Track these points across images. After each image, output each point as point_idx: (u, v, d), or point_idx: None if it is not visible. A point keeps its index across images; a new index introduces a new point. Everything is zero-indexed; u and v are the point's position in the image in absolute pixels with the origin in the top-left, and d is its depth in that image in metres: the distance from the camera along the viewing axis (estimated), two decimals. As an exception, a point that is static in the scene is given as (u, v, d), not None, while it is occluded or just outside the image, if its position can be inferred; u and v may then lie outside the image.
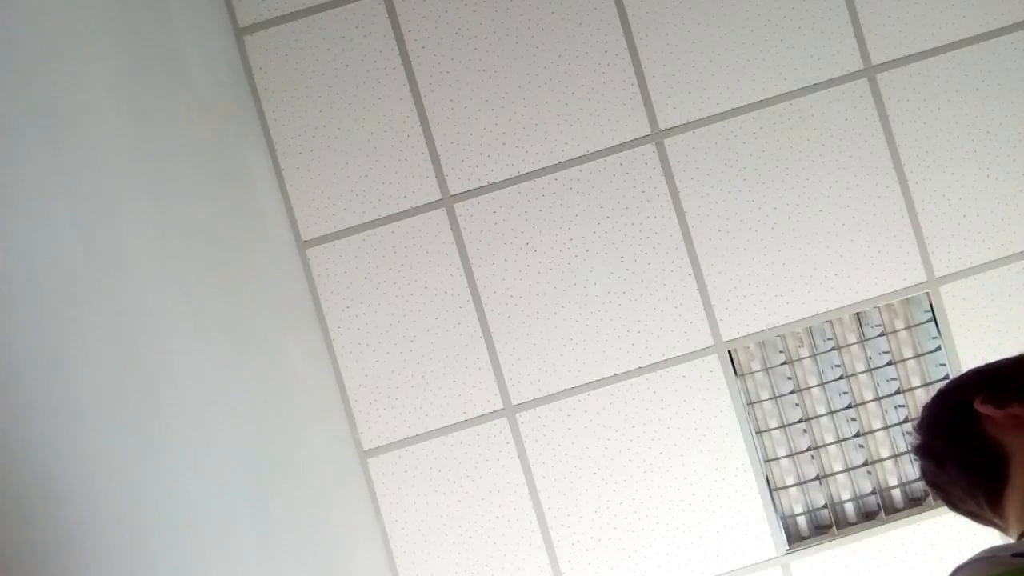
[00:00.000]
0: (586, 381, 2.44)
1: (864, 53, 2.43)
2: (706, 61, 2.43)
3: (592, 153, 2.44)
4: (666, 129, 2.43)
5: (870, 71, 2.43)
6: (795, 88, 2.43)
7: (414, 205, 2.45)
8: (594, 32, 2.43)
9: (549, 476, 2.44)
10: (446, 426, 2.44)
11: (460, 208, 2.45)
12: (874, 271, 2.43)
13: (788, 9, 2.43)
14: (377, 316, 2.45)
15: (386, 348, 2.44)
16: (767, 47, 2.43)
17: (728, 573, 2.43)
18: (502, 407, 2.44)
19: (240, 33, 2.43)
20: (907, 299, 2.46)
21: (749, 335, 2.44)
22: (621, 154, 2.44)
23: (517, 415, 2.44)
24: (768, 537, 2.44)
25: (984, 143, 2.42)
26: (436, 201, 2.45)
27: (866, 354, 2.49)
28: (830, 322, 2.47)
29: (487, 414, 2.44)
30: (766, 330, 2.44)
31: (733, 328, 2.44)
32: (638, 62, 2.43)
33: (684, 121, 2.43)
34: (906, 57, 2.43)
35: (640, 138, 2.44)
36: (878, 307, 2.46)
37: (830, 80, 2.43)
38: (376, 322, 2.44)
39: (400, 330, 2.45)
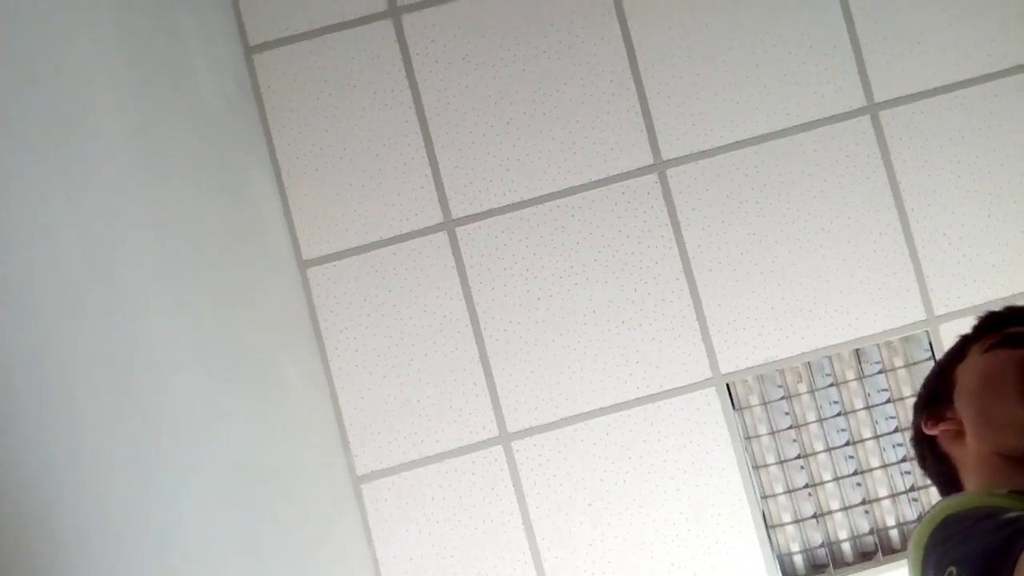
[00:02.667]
0: (583, 411, 2.41)
1: (867, 91, 2.45)
2: (711, 94, 2.45)
3: (595, 181, 2.44)
4: (669, 160, 2.44)
5: (873, 108, 2.45)
6: (798, 123, 2.44)
7: (416, 228, 2.44)
8: (600, 62, 2.45)
9: (543, 506, 2.40)
10: (440, 452, 2.41)
11: (462, 232, 2.44)
12: (874, 308, 2.43)
13: (793, 45, 2.46)
14: (375, 338, 2.42)
15: (383, 371, 2.42)
16: (771, 82, 2.45)
17: (723, 611, 2.39)
18: (498, 434, 2.41)
19: (249, 51, 2.44)
20: (906, 337, 2.46)
21: (748, 368, 2.43)
22: (623, 183, 2.44)
23: (512, 443, 2.41)
24: (764, 575, 2.40)
25: (985, 183, 2.44)
26: (438, 224, 2.44)
27: (865, 391, 2.47)
28: (829, 358, 2.46)
29: (482, 441, 2.41)
30: (765, 364, 2.43)
31: (732, 361, 2.43)
32: (643, 93, 2.45)
33: (687, 153, 2.45)
34: (909, 96, 2.45)
35: (643, 168, 2.44)
36: (877, 344, 2.45)
37: (833, 116, 2.45)
38: (373, 344, 2.42)
39: (397, 353, 2.42)
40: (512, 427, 2.41)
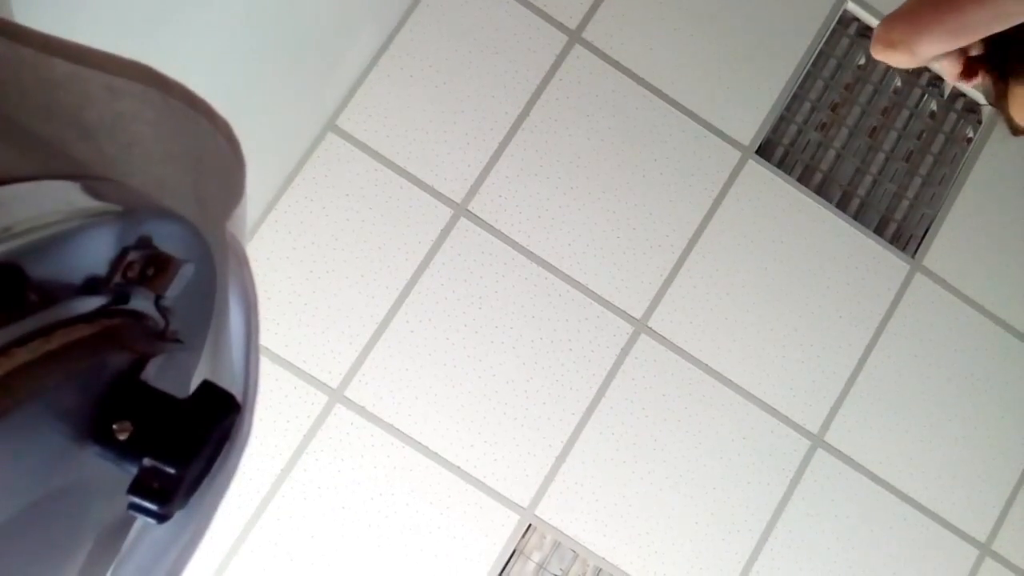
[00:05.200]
0: (419, 439, 2.38)
1: (825, 424, 2.57)
2: (729, 313, 2.54)
3: (586, 287, 2.49)
4: (652, 329, 2.51)
5: (816, 440, 2.56)
6: (758, 396, 2.54)
7: (434, 187, 2.46)
8: (682, 209, 2.55)
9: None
10: (286, 359, 2.34)
11: (463, 224, 2.46)
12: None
13: (790, 351, 2.58)
14: (321, 230, 2.40)
15: (304, 267, 2.38)
16: (767, 344, 2.56)
17: None
18: (335, 388, 2.36)
19: (453, -47, 2.51)
20: (682, 620, 2.48)
21: (556, 528, 2.42)
22: (603, 310, 2.49)
23: (338, 405, 2.36)
24: None
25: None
26: (452, 201, 2.46)
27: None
28: (616, 579, 2.47)
29: (324, 384, 2.36)
30: (571, 538, 2.43)
31: (552, 510, 2.42)
32: (681, 262, 2.54)
33: (669, 336, 2.52)
34: (848, 458, 2.57)
35: (627, 315, 2.50)
36: (658, 604, 2.47)
37: (785, 418, 2.55)
38: (312, 232, 2.39)
39: (327, 260, 2.39)
40: (351, 392, 2.37)
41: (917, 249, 2.66)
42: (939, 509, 2.58)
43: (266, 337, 2.36)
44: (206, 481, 0.44)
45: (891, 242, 2.65)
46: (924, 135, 2.76)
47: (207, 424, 0.43)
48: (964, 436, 2.63)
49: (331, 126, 2.43)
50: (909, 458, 2.59)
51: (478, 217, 2.47)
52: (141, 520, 0.41)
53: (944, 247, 2.67)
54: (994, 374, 2.66)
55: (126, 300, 0.41)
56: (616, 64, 2.56)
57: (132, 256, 0.40)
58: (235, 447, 0.46)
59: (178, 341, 0.43)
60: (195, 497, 0.44)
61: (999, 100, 1.22)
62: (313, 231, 2.40)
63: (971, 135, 2.77)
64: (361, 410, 2.37)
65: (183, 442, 0.41)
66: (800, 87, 2.69)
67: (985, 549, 2.60)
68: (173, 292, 0.42)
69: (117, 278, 0.39)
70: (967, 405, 2.64)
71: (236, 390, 0.45)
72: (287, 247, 2.39)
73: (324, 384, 2.37)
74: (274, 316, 2.37)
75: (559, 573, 2.46)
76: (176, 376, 0.46)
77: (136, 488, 0.38)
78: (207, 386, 0.43)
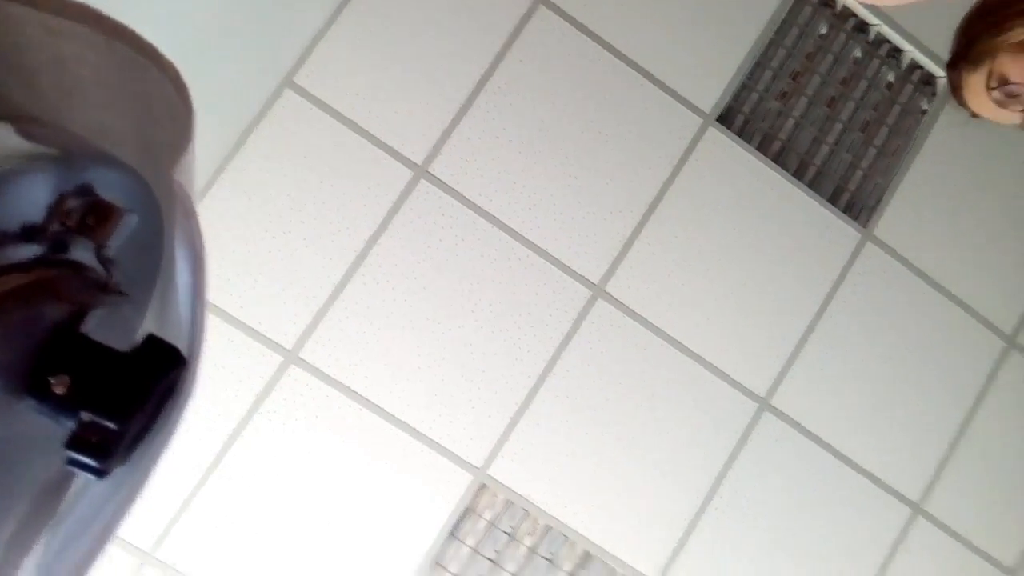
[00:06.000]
0: (372, 398, 2.37)
1: (773, 388, 2.63)
2: (684, 278, 2.58)
3: (546, 252, 2.49)
4: (609, 294, 2.53)
5: (764, 403, 2.63)
6: (710, 361, 2.59)
7: (395, 147, 2.42)
8: (646, 176, 2.56)
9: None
10: (237, 319, 2.30)
11: (423, 186, 2.43)
12: (635, 541, 2.52)
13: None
14: (274, 192, 2.35)
15: (255, 230, 2.33)
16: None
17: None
18: (290, 349, 2.33)
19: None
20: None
21: (509, 488, 2.46)
22: (562, 274, 2.50)
23: (292, 366, 2.34)
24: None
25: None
26: (413, 163, 2.43)
27: (567, 586, 2.54)
28: (566, 537, 2.52)
29: (280, 345, 2.33)
30: (523, 496, 2.47)
31: (506, 470, 2.45)
32: (640, 229, 2.55)
33: (625, 301, 2.54)
34: (794, 421, 2.65)
35: (585, 279, 2.52)
36: (604, 560, 2.54)
37: (735, 382, 2.60)
38: (269, 195, 2.34)
39: (281, 221, 2.34)
40: (306, 353, 2.34)
41: (869, 219, 2.72)
42: (876, 470, 2.69)
43: (220, 297, 2.31)
44: (148, 436, 0.43)
45: (844, 211, 2.70)
46: (880, 106, 2.80)
47: (150, 378, 0.42)
48: (905, 403, 2.72)
49: (288, 83, 2.36)
50: (851, 422, 2.68)
51: (439, 179, 2.44)
52: (81, 478, 0.40)
53: (895, 218, 2.73)
54: (937, 344, 2.75)
55: (65, 250, 0.40)
56: (582, 28, 2.53)
57: (71, 203, 0.38)
58: (179, 403, 0.45)
59: (121, 294, 0.42)
60: (136, 453, 0.43)
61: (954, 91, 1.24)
62: (269, 190, 2.35)
63: (926, 107, 2.82)
64: (316, 371, 2.36)
65: (124, 396, 0.40)
66: (763, 55, 2.70)
67: (917, 509, 2.71)
68: (116, 242, 0.40)
69: (54, 226, 0.38)
70: (909, 373, 2.73)
71: (182, 345, 0.44)
72: (242, 206, 2.33)
73: (278, 345, 2.34)
74: (228, 276, 2.32)
75: (509, 531, 2.50)
76: (120, 330, 0.44)
77: (74, 443, 0.37)
78: (151, 340, 0.42)
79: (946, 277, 2.75)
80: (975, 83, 1.18)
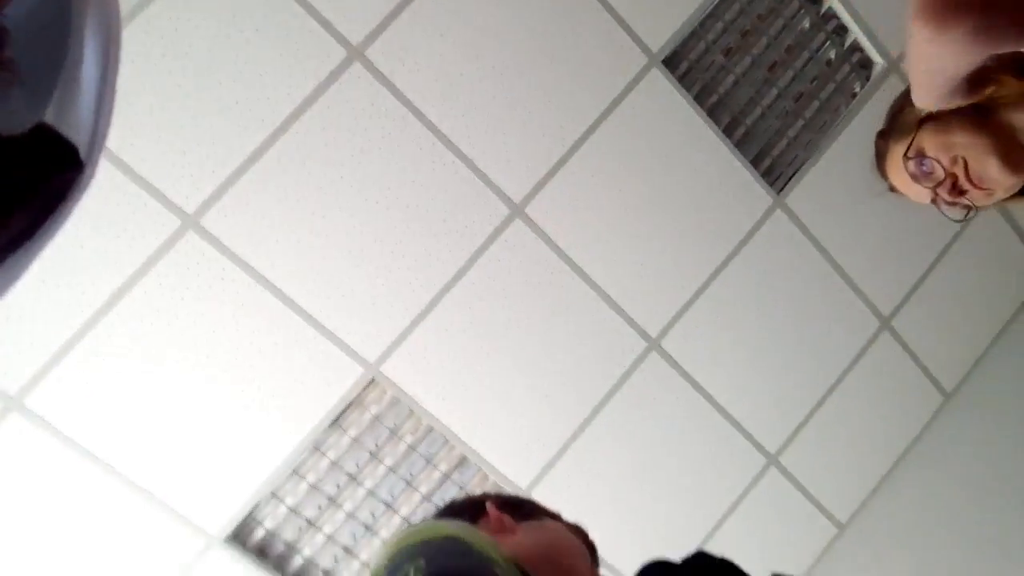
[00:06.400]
0: (274, 282, 2.31)
1: (664, 330, 2.74)
2: (600, 213, 2.61)
3: (472, 163, 2.46)
4: (526, 215, 2.53)
5: (653, 343, 2.74)
6: (610, 295, 2.66)
7: (332, 22, 2.29)
8: (572, 104, 2.54)
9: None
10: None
11: (355, 68, 2.33)
12: (515, 453, 2.61)
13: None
14: (197, 51, 2.19)
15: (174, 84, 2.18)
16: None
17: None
18: (185, 219, 2.23)
19: None
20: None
21: (398, 386, 2.48)
22: (483, 188, 2.48)
23: (191, 231, 2.24)
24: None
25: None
26: (348, 41, 2.31)
27: (438, 486, 2.61)
28: (446, 439, 2.58)
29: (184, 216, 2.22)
30: (411, 397, 2.50)
31: (400, 366, 2.47)
32: (569, 156, 2.55)
33: (541, 225, 2.55)
34: (677, 364, 2.78)
35: (506, 196, 2.51)
36: (480, 467, 2.62)
37: (630, 319, 2.69)
38: (196, 52, 2.19)
39: (209, 78, 2.20)
40: (207, 222, 2.25)
41: (784, 187, 2.82)
42: (743, 420, 2.87)
43: (121, 147, 2.17)
44: (27, 243, 0.40)
45: (763, 175, 2.78)
46: (817, 80, 2.87)
47: (39, 175, 0.39)
48: (780, 364, 2.90)
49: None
50: (728, 374, 2.84)
51: (372, 64, 2.34)
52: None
53: (807, 191, 2.84)
54: (819, 315, 2.92)
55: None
56: (545, -65, 2.44)
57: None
58: (65, 211, 0.42)
59: (14, 72, 0.38)
60: (11, 257, 0.39)
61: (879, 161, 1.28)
62: (187, 41, 2.19)
63: (857, 90, 2.91)
64: (215, 241, 2.27)
65: (6, 188, 0.37)
66: (717, 7, 2.69)
67: (772, 459, 2.93)
68: (16, 11, 0.36)
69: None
70: (790, 337, 2.90)
71: (80, 143, 0.40)
72: (156, 54, 2.17)
73: (178, 208, 2.23)
74: (133, 127, 2.17)
75: (392, 427, 2.54)
76: (10, 116, 0.40)
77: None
78: (46, 131, 0.38)
79: (842, 255, 2.91)
80: (896, 153, 1.22)
